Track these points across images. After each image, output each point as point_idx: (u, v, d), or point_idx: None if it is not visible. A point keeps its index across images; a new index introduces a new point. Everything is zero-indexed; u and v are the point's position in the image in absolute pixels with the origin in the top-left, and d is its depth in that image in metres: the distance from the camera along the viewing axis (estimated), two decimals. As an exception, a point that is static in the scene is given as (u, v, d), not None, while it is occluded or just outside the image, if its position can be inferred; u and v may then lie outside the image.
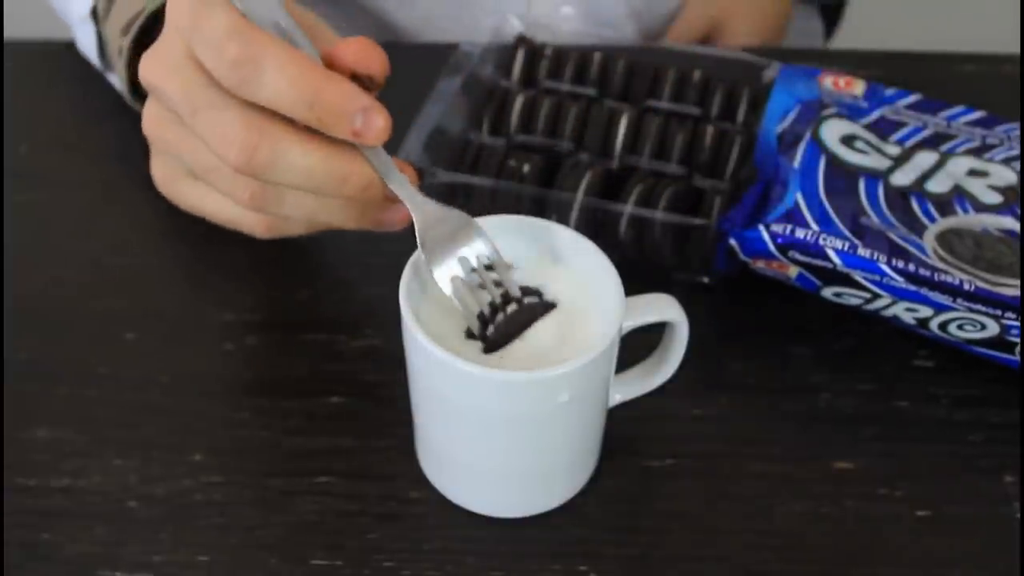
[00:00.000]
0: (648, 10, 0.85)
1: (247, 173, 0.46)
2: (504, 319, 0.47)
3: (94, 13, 0.62)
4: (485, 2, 0.77)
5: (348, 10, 0.84)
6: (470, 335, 0.48)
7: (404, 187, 0.48)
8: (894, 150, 0.59)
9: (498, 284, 0.48)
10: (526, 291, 0.48)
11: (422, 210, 0.48)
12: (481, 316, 0.47)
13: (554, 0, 0.78)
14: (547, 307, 0.48)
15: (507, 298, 0.48)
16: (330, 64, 0.47)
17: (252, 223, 0.52)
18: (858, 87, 0.62)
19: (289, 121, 0.46)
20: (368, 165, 0.47)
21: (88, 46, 0.66)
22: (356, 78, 0.47)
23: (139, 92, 0.60)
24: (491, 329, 0.47)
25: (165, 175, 0.52)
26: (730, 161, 0.61)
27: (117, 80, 0.60)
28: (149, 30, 0.58)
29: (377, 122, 0.45)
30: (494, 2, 0.69)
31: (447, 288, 0.47)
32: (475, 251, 0.48)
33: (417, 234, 0.47)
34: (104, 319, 0.58)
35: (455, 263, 0.48)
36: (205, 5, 0.45)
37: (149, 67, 0.48)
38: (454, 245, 0.48)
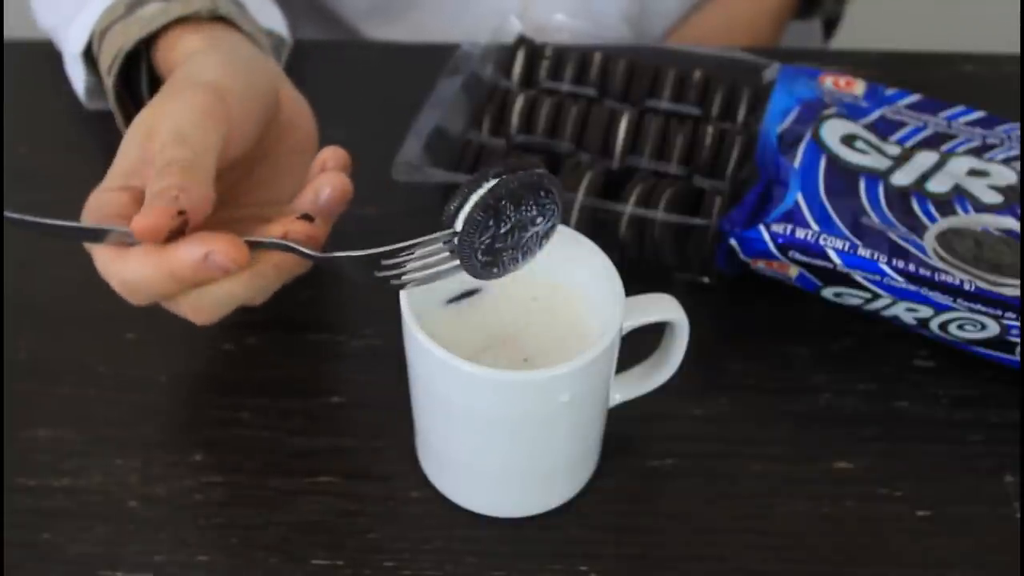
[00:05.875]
0: (643, 16, 0.85)
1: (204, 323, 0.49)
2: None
3: (87, 52, 0.63)
4: (480, 10, 0.77)
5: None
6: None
7: (320, 255, 0.47)
8: (894, 150, 0.59)
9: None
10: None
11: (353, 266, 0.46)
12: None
13: (548, 7, 0.78)
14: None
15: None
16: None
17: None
18: (858, 87, 0.62)
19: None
20: (283, 254, 0.47)
21: (77, 83, 0.66)
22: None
23: None
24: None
25: (186, 314, 0.51)
26: (730, 161, 0.61)
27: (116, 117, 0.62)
28: (134, 62, 0.60)
29: (228, 255, 0.45)
30: (489, 10, 0.70)
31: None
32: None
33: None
34: (104, 319, 0.58)
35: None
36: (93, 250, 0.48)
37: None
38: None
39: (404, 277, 0.45)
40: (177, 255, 0.45)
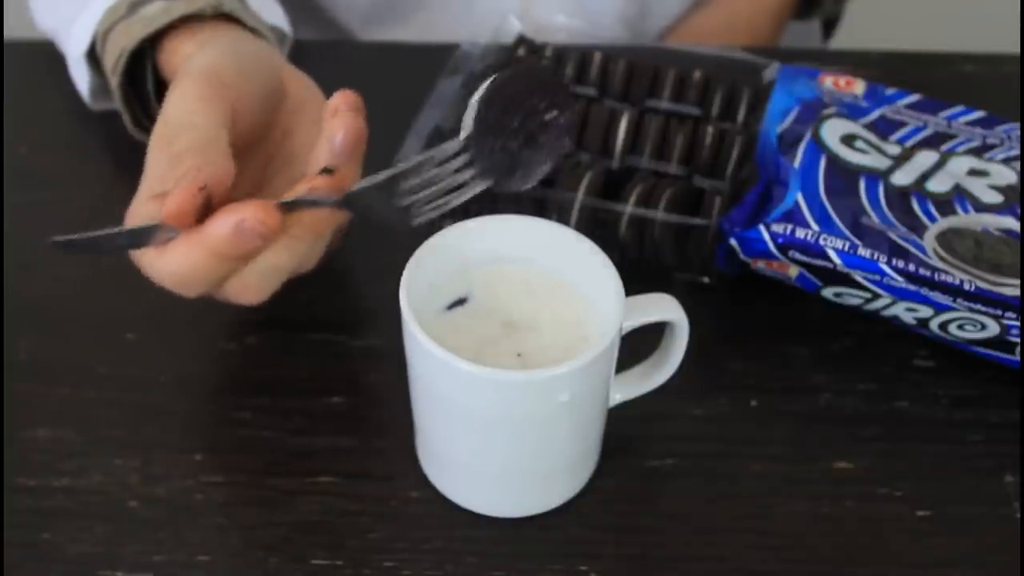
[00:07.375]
0: (643, 17, 0.85)
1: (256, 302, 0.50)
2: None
3: (91, 53, 0.63)
4: (480, 11, 0.77)
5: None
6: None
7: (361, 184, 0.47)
8: (894, 150, 0.59)
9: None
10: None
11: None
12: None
13: (549, 8, 0.79)
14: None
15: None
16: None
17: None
18: (858, 87, 0.62)
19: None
20: (313, 212, 0.47)
21: (81, 84, 0.66)
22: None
23: (141, 125, 0.62)
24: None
25: (236, 297, 0.51)
26: (730, 161, 0.61)
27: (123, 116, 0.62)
28: (139, 61, 0.60)
29: (259, 219, 0.45)
30: (489, 10, 0.70)
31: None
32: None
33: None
34: (104, 319, 0.58)
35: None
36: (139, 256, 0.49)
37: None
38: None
39: (428, 205, 0.45)
40: (211, 232, 0.45)
